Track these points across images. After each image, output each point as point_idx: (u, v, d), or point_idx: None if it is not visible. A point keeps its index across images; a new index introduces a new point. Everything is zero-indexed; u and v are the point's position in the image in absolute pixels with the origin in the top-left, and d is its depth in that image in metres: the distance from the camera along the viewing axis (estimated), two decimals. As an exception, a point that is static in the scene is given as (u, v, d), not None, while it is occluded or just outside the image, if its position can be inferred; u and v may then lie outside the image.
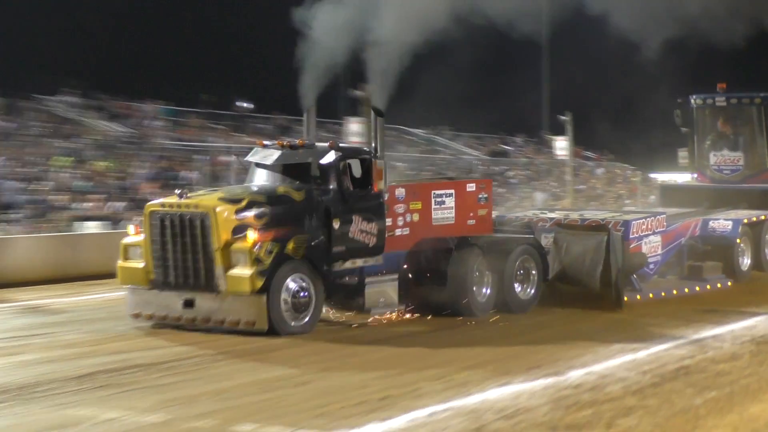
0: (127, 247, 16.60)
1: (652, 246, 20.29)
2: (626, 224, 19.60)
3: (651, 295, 19.83)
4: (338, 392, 11.87)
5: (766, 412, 11.18)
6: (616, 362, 13.93)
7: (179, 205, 15.91)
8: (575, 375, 13.01)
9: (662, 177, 32.19)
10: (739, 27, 29.85)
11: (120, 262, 16.63)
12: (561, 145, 41.92)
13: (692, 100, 27.00)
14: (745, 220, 23.28)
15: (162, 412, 10.86)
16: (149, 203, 16.76)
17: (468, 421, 10.52)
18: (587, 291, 18.94)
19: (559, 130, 42.48)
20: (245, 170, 18.40)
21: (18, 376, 12.72)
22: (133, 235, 16.68)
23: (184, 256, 15.82)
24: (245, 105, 46.99)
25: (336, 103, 50.72)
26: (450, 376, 12.74)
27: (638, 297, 19.46)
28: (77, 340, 15.56)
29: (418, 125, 56.54)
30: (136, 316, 16.48)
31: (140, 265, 16.25)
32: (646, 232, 20.08)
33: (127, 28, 51.62)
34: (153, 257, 16.11)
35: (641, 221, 20.14)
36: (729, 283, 22.03)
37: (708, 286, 21.43)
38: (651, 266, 20.34)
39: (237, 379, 12.63)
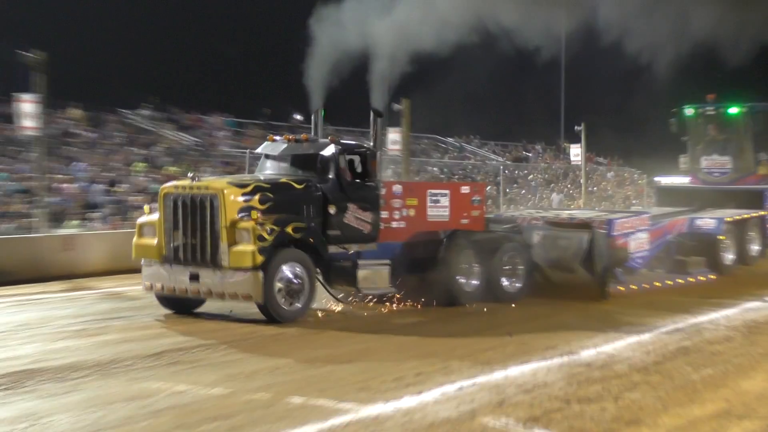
0: (142, 226, 16.37)
1: (639, 242, 19.90)
2: (609, 222, 19.19)
3: (634, 287, 19.37)
4: (378, 369, 11.86)
5: (755, 387, 11.14)
6: (623, 343, 13.87)
7: (191, 187, 15.69)
8: (587, 354, 12.96)
9: (665, 180, 31.85)
10: (742, 45, 29.61)
11: (135, 239, 16.38)
12: (575, 152, 41.58)
13: (685, 110, 26.69)
14: (728, 218, 22.82)
15: (224, 386, 10.90)
16: (164, 186, 16.57)
17: (492, 395, 10.51)
18: (572, 279, 18.48)
19: (574, 139, 42.19)
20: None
21: (100, 353, 12.80)
22: (147, 215, 16.49)
23: (193, 233, 15.54)
24: (298, 117, 47.07)
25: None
26: (476, 356, 12.71)
27: (621, 288, 19.02)
28: (151, 323, 15.62)
29: (450, 134, 56.50)
30: (149, 288, 16.25)
31: (154, 241, 15.99)
32: (630, 230, 19.61)
33: (197, 51, 51.87)
34: (165, 234, 15.85)
35: (624, 220, 19.74)
36: (712, 276, 21.62)
37: (691, 279, 21.02)
38: (638, 261, 19.96)
39: (288, 358, 12.62)
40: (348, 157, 16.93)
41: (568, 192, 49.13)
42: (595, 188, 51.30)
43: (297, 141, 17.25)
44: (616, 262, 19.16)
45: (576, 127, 40.56)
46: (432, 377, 11.34)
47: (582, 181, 43.69)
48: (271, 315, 15.15)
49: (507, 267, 18.06)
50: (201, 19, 51.98)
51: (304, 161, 16.78)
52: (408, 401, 10.16)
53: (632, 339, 14.21)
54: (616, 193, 52.66)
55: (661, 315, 16.51)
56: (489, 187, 45.37)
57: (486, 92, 43.17)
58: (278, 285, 15.13)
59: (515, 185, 48.14)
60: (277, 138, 17.65)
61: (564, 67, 58.75)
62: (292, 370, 11.81)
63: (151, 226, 16.17)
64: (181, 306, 16.34)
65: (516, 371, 11.76)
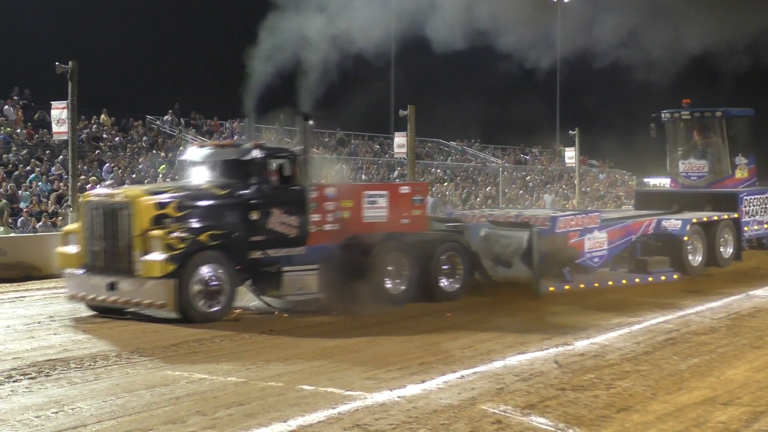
0: (66, 234, 15.68)
1: (596, 241, 19.14)
2: (553, 220, 18.53)
3: (582, 285, 18.51)
4: (384, 359, 11.79)
5: (739, 375, 11.07)
6: (615, 334, 13.78)
7: (108, 195, 15.02)
8: (580, 345, 12.89)
9: (652, 181, 31.59)
10: (735, 57, 29.36)
11: (59, 248, 15.61)
12: (570, 155, 41.56)
13: (663, 115, 25.85)
14: (694, 220, 21.69)
15: (240, 375, 10.85)
16: (85, 193, 15.81)
17: (492, 383, 10.45)
18: (513, 278, 17.79)
19: (569, 143, 42.16)
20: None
21: (123, 343, 12.75)
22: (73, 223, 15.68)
23: (110, 242, 14.69)
24: (310, 122, 47.02)
25: (387, 121, 50.81)
26: (476, 346, 12.64)
27: (567, 287, 18.22)
28: (174, 316, 15.41)
29: (453, 138, 56.45)
30: (72, 297, 15.37)
31: (76, 250, 15.21)
32: (577, 228, 18.78)
33: (220, 63, 51.90)
34: (86, 243, 15.02)
35: (569, 218, 18.96)
36: (675, 276, 20.52)
37: (650, 279, 20.01)
38: (596, 260, 19.18)
39: (301, 348, 12.56)
40: (274, 161, 15.80)
41: (563, 192, 49.06)
42: (588, 189, 51.22)
43: (221, 146, 16.41)
44: (565, 260, 18.50)
45: (570, 132, 40.51)
46: (435, 367, 11.27)
47: (576, 182, 43.67)
48: (188, 317, 14.25)
49: (446, 267, 17.07)
50: (221, 30, 51.99)
51: (228, 167, 15.73)
52: (412, 389, 10.09)
53: (623, 330, 14.13)
54: (607, 194, 52.57)
55: (650, 307, 16.44)
56: (489, 188, 45.37)
57: (487, 99, 43.18)
58: (195, 288, 14.26)
59: (514, 186, 48.07)
60: (205, 144, 16.65)
61: (559, 72, 58.58)
62: (303, 360, 11.73)
63: (74, 235, 15.41)
64: (108, 312, 15.27)
65: (514, 361, 11.69)
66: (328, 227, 16.16)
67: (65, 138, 23.10)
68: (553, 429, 8.69)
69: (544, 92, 59.12)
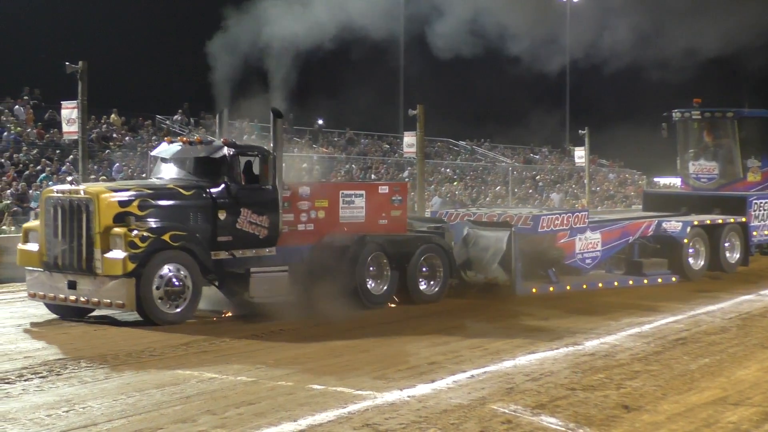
0: (26, 231, 15.19)
1: (589, 242, 18.81)
2: (535, 219, 18.12)
3: (569, 287, 18.16)
4: (394, 358, 11.83)
5: (750, 375, 11.07)
6: (625, 334, 13.77)
7: (70, 192, 14.46)
8: (591, 344, 12.88)
9: (663, 180, 31.42)
10: (750, 59, 29.15)
11: (19, 245, 15.17)
12: (580, 154, 41.38)
13: (674, 114, 25.22)
14: (696, 222, 21.22)
15: (249, 374, 10.86)
16: (46, 189, 15.62)
17: (502, 383, 10.45)
18: (489, 280, 17.55)
19: (579, 142, 42.05)
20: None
21: (133, 343, 12.75)
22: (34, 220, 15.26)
23: (71, 239, 14.24)
24: (320, 122, 47.00)
25: (396, 120, 50.77)
26: (486, 346, 12.63)
27: (551, 289, 17.92)
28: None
29: (462, 137, 56.39)
30: (32, 296, 14.98)
31: (36, 248, 14.72)
32: (562, 227, 18.38)
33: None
34: (46, 240, 14.53)
35: (553, 217, 18.54)
36: (673, 279, 20.15)
37: (645, 281, 19.60)
38: (588, 261, 18.86)
39: (311, 348, 12.56)
40: (243, 159, 15.42)
41: (573, 191, 48.98)
42: (598, 188, 51.13)
43: (190, 143, 15.88)
44: (550, 261, 18.22)
45: (580, 131, 40.43)
46: (444, 366, 11.28)
47: (586, 181, 43.59)
48: (149, 318, 13.94)
49: (425, 269, 16.66)
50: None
51: (197, 164, 15.34)
52: (422, 389, 10.09)
53: (634, 330, 14.11)
54: (617, 193, 52.49)
55: (660, 307, 16.41)
56: (498, 187, 45.32)
57: (496, 98, 43.18)
58: (157, 288, 13.90)
59: (523, 185, 48.02)
60: (174, 140, 16.41)
61: (569, 71, 58.50)
62: (312, 359, 11.75)
63: (35, 232, 14.93)
64: (69, 312, 14.86)
65: (524, 360, 11.69)
66: (301, 227, 15.72)
67: (75, 138, 23.10)
68: (563, 429, 8.69)
69: (553, 91, 59.12)
